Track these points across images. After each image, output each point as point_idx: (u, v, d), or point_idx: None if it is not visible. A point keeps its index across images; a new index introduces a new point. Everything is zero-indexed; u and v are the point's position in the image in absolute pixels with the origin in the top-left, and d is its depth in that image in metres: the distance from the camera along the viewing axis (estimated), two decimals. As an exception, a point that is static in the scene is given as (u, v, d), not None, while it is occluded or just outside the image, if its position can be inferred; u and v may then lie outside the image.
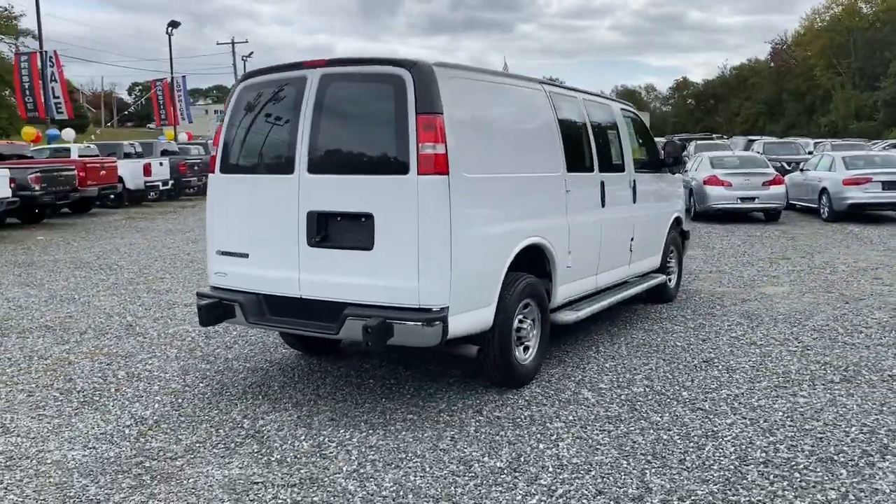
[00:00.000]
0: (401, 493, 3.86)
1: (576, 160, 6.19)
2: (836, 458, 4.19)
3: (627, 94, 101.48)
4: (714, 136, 41.22)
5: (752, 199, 16.67)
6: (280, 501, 3.79)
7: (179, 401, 5.31)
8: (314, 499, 3.81)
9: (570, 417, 4.87)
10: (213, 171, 5.46)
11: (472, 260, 4.80)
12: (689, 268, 10.68)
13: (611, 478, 3.99)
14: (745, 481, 3.92)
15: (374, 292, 4.68)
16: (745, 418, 4.81)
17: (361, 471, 4.12)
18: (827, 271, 10.33)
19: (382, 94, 4.71)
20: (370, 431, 4.68)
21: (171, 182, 22.94)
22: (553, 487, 3.89)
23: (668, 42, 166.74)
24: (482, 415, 4.94)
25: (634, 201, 7.21)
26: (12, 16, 68.97)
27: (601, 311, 6.62)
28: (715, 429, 4.65)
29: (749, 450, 4.32)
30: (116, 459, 4.32)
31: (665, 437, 4.54)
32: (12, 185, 15.31)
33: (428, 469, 4.14)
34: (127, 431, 4.75)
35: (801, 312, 7.83)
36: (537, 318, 5.62)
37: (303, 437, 4.60)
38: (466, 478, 4.02)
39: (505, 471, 4.10)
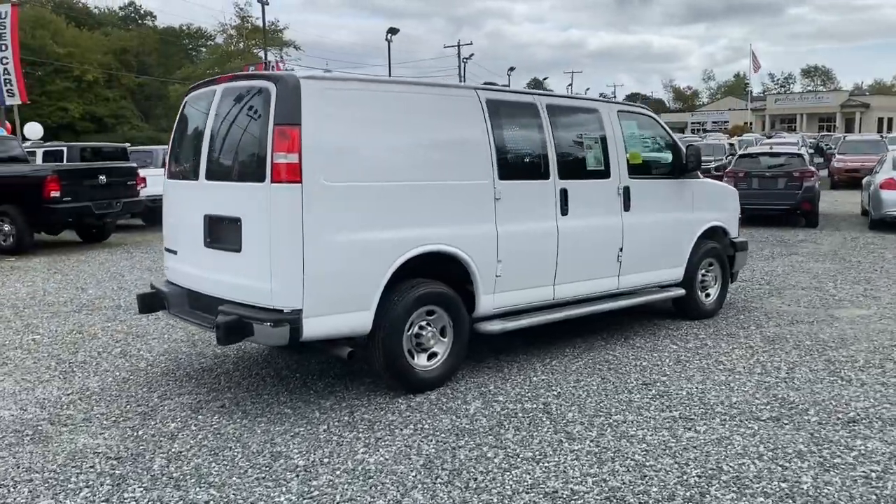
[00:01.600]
0: (186, 475, 4.18)
1: (517, 167, 6.05)
2: None
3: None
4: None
5: (939, 207, 14.43)
6: (98, 469, 4.28)
7: (129, 378, 6.01)
8: (128, 468, 4.25)
9: (426, 427, 4.87)
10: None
11: (336, 265, 4.97)
12: (783, 281, 9.71)
13: (380, 487, 4.02)
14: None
15: (242, 291, 5.04)
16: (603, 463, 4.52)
17: (184, 451, 4.50)
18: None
19: (254, 106, 5.05)
20: (227, 419, 5.05)
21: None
22: (315, 490, 4.01)
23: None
24: (353, 416, 5.10)
25: (627, 209, 6.81)
26: (277, 29, 77.09)
27: (555, 322, 6.39)
28: (538, 457, 4.43)
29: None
30: (25, 419, 5.08)
31: (480, 457, 4.42)
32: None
33: (236, 459, 4.42)
34: (63, 399, 5.52)
35: (836, 341, 6.90)
36: (448, 325, 5.62)
37: (178, 420, 5.07)
38: (258, 470, 4.25)
39: (297, 468, 4.28)
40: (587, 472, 4.15)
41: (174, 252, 5.91)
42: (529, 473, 4.16)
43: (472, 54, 58.59)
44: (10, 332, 7.55)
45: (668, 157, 7.42)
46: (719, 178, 13.46)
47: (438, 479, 4.10)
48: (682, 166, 7.33)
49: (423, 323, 5.53)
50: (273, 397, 5.50)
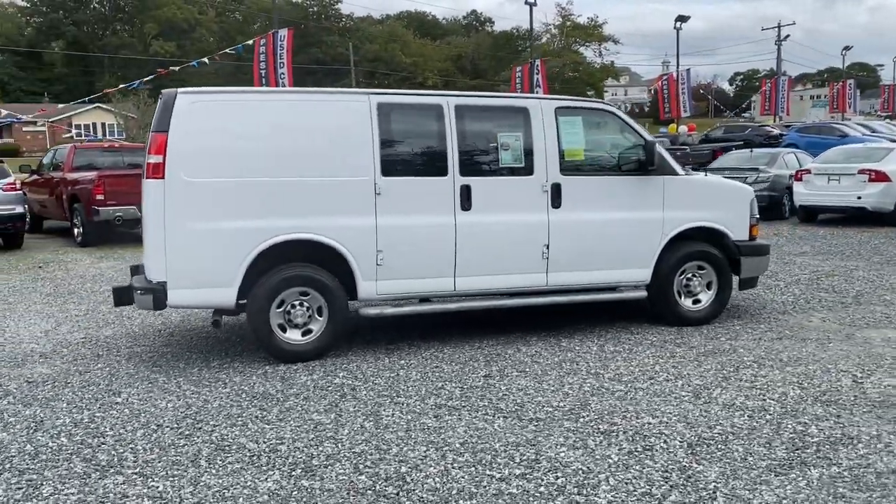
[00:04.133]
0: (55, 419, 5.58)
1: (406, 165, 6.49)
2: None
3: None
4: None
5: None
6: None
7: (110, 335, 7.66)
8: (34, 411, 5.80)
9: (258, 390, 5.66)
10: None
11: (196, 247, 6.01)
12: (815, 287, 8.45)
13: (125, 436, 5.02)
14: None
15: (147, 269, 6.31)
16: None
17: (79, 401, 5.92)
18: None
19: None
20: (150, 380, 6.35)
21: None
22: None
23: None
24: (224, 384, 6.07)
25: (557, 206, 6.78)
26: (596, 24, 77.81)
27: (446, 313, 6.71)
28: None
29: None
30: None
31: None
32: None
33: (97, 408, 5.69)
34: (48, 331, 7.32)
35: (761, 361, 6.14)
36: (324, 305, 6.33)
37: (116, 382, 6.53)
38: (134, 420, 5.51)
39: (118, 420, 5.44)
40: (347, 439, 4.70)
41: None
42: (308, 432, 4.83)
43: (787, 35, 53.65)
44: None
45: (628, 154, 7.09)
46: None
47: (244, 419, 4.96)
48: (647, 163, 6.97)
49: (297, 302, 6.30)
50: (212, 361, 6.70)
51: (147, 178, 6.04)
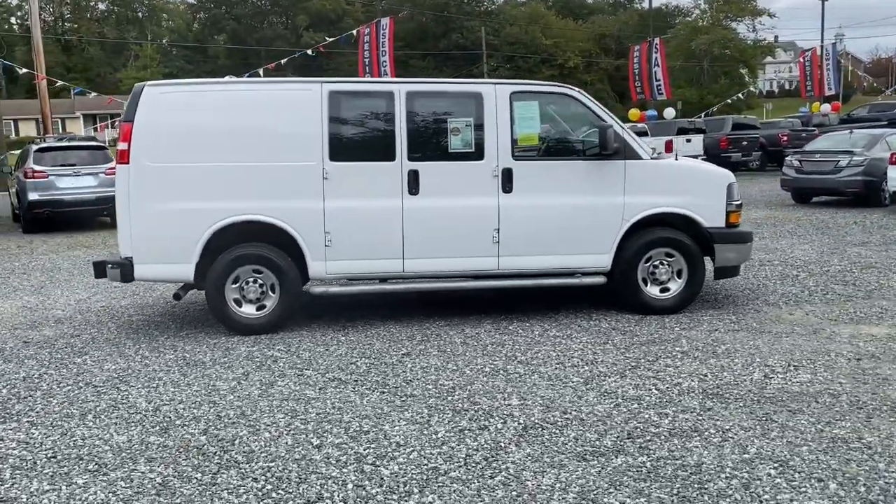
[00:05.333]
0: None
1: (354, 150, 6.78)
2: None
3: None
4: None
5: None
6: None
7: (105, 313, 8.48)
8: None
9: (196, 358, 6.23)
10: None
11: (156, 226, 6.63)
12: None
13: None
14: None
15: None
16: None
17: (47, 360, 6.74)
18: None
19: (129, 108, 6.91)
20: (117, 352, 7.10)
21: (702, 158, 23.78)
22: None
23: None
24: (173, 350, 6.71)
25: (508, 191, 6.84)
26: (750, -1, 73.45)
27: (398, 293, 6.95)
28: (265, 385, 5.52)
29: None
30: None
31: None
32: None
33: (54, 367, 6.48)
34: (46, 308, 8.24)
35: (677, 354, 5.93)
36: (276, 283, 6.79)
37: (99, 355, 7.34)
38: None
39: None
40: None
41: None
42: (241, 397, 5.36)
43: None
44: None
45: (586, 138, 7.00)
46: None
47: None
48: (601, 148, 6.86)
49: (251, 279, 6.79)
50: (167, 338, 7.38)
51: (117, 163, 6.71)
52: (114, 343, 6.76)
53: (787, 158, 15.88)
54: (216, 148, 6.69)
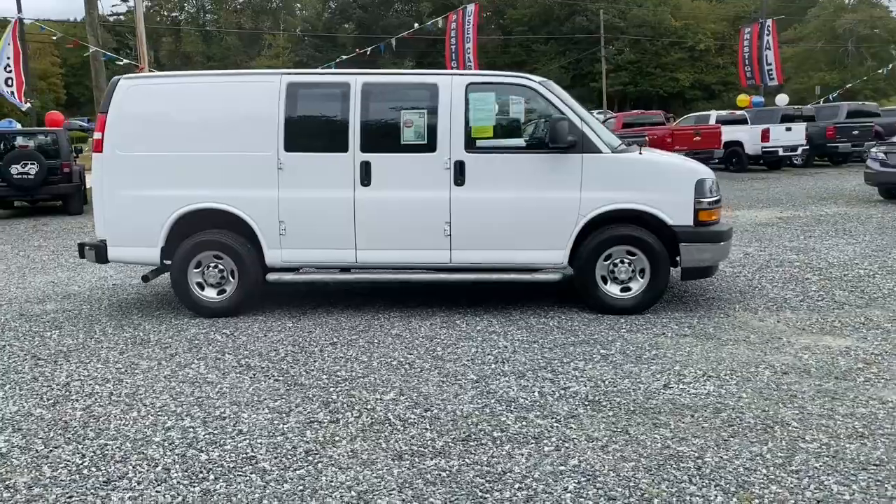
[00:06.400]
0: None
1: (308, 141, 6.91)
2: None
3: None
4: None
5: None
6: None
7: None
8: None
9: (145, 337, 6.62)
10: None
11: (125, 212, 7.05)
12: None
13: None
14: None
15: None
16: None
17: (23, 332, 7.34)
18: None
19: (109, 99, 7.35)
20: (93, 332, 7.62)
21: (802, 149, 22.37)
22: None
23: None
24: (134, 329, 7.14)
25: (461, 184, 6.78)
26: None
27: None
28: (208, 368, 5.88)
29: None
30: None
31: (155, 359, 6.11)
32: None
33: (23, 338, 7.04)
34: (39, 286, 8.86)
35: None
36: (235, 269, 7.07)
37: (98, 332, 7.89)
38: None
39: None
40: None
41: None
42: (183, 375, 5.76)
43: None
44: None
45: (542, 131, 6.79)
46: None
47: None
48: (552, 140, 6.65)
49: (211, 265, 7.09)
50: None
51: (93, 152, 7.17)
52: (89, 319, 7.26)
53: (872, 151, 14.64)
54: (180, 138, 7.02)
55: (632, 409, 4.63)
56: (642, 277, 6.82)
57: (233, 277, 7.09)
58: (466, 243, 6.82)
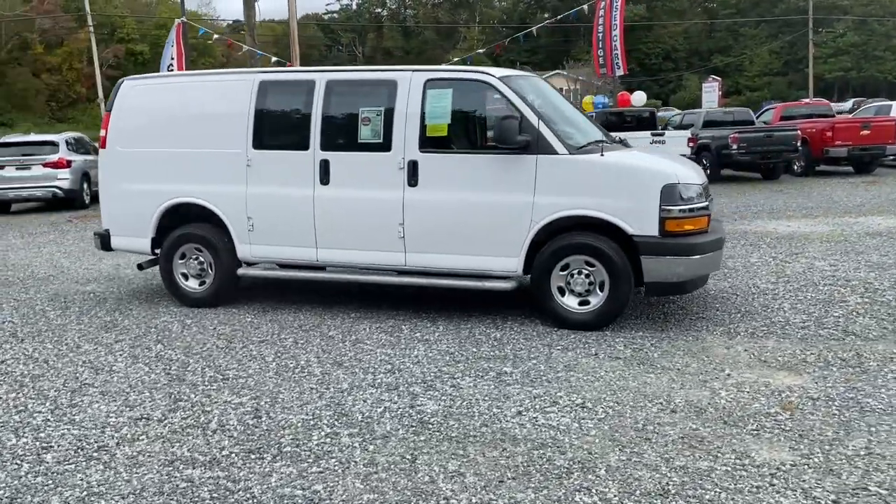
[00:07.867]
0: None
1: (274, 139, 7.03)
2: None
3: None
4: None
5: None
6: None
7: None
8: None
9: (114, 322, 7.14)
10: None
11: (123, 204, 7.59)
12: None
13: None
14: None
15: None
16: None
17: (44, 309, 8.11)
18: None
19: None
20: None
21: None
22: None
23: None
24: (118, 315, 7.67)
25: (414, 184, 6.58)
26: None
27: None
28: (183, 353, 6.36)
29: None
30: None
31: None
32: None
33: (35, 316, 7.79)
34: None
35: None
36: (213, 261, 7.39)
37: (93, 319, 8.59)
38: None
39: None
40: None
41: None
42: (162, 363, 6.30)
43: None
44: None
45: (495, 130, 6.37)
46: None
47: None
48: (498, 140, 6.24)
49: (193, 257, 7.45)
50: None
51: (100, 147, 7.76)
52: (97, 301, 7.91)
53: None
54: (168, 136, 7.42)
55: (453, 435, 4.26)
56: (602, 291, 6.22)
57: (211, 269, 7.38)
58: (420, 246, 6.59)
